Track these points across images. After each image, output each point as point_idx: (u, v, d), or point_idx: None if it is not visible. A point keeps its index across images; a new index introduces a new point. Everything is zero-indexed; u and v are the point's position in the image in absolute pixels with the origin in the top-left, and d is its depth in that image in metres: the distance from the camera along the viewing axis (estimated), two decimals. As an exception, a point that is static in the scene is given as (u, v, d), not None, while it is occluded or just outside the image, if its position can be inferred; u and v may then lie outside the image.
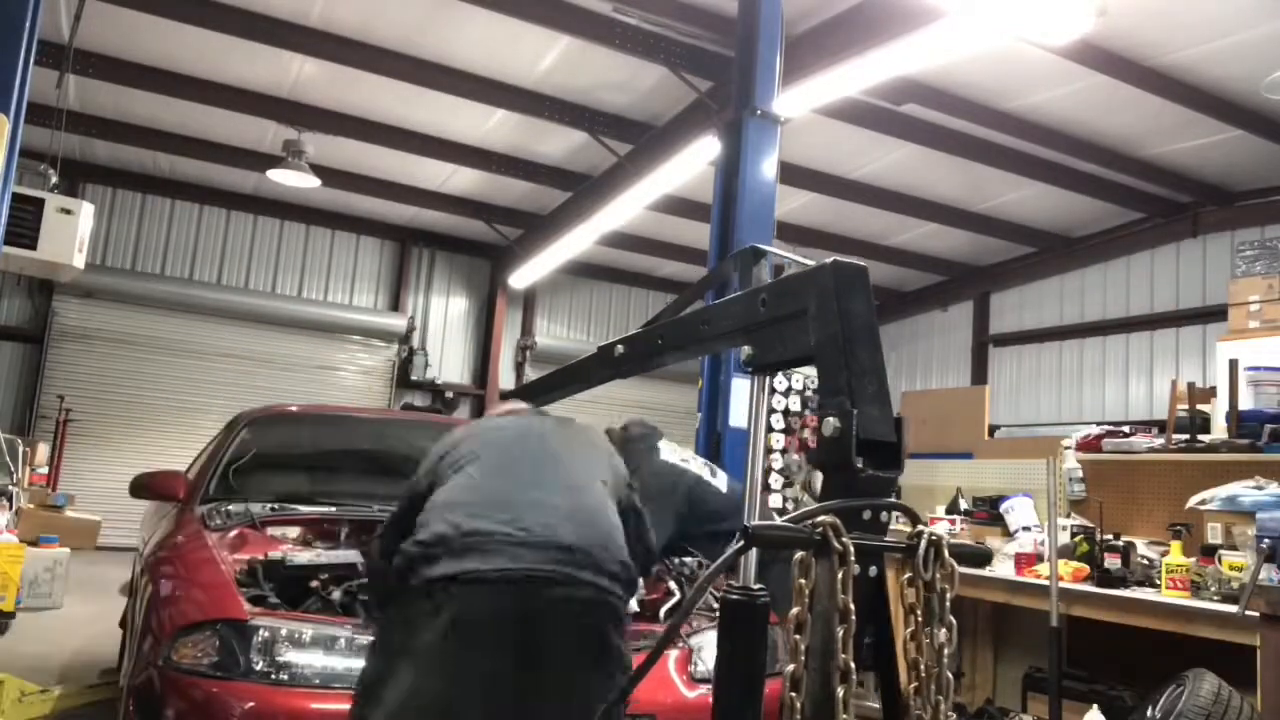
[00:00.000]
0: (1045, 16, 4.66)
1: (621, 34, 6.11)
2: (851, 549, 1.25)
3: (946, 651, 1.29)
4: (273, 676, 2.20)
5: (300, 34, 6.49)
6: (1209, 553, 3.89)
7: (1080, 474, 5.14)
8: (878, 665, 1.38)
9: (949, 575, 1.32)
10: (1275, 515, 3.49)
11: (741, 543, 1.33)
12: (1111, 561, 4.12)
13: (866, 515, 1.34)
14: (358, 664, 2.24)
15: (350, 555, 2.94)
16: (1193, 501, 4.13)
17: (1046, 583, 4.02)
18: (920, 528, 1.35)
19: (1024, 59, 5.91)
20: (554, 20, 6.05)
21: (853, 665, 1.22)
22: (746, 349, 1.68)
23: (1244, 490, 3.92)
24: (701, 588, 1.44)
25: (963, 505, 6.15)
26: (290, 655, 2.23)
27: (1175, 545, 3.95)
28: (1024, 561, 4.56)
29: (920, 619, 1.30)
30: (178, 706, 2.20)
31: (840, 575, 1.24)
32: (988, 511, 5.86)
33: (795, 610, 1.25)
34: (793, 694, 1.23)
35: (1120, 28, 5.55)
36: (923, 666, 1.28)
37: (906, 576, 1.32)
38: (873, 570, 1.34)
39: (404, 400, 10.93)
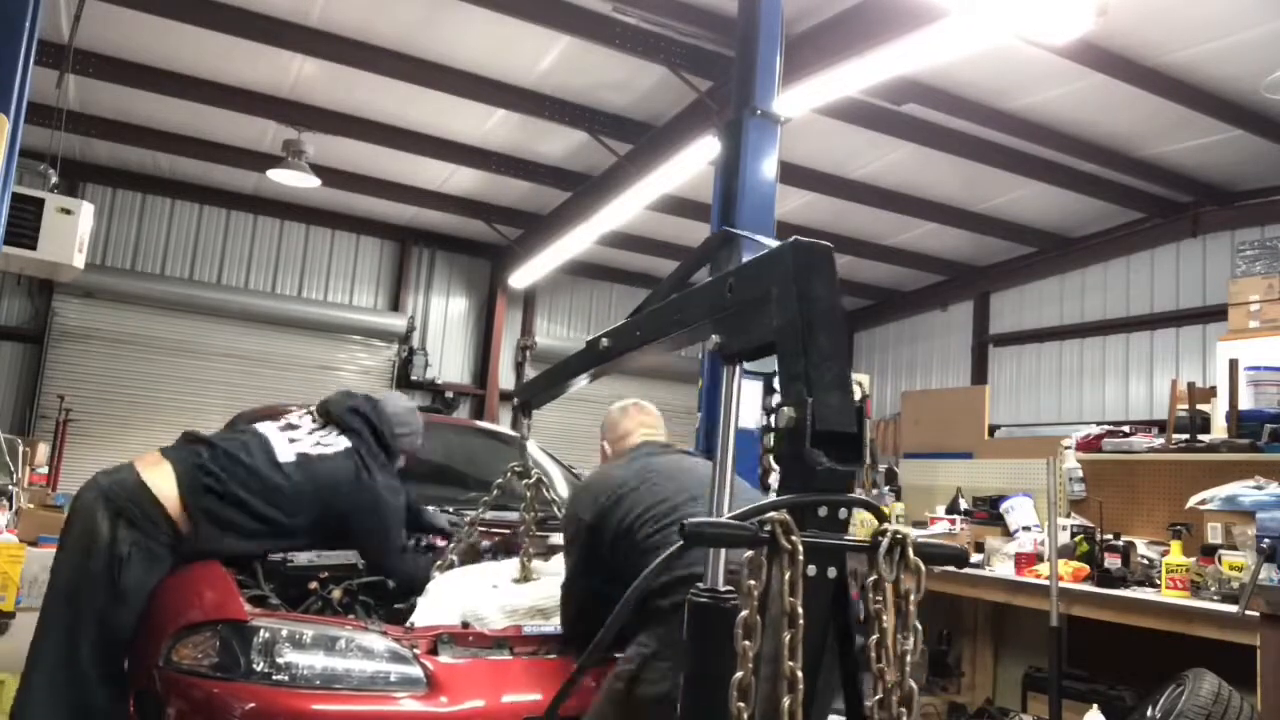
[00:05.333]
0: (1045, 16, 4.66)
1: (621, 34, 6.10)
2: (800, 548, 1.17)
3: (910, 660, 1.19)
4: (273, 677, 2.20)
5: (300, 34, 6.48)
6: (1209, 553, 3.89)
7: (1080, 474, 5.14)
8: (842, 675, 1.30)
9: (915, 577, 1.22)
10: (1275, 515, 3.49)
11: (680, 541, 1.26)
12: (1111, 561, 4.13)
13: (823, 512, 1.25)
14: (358, 664, 2.24)
15: (350, 555, 2.95)
16: (1193, 501, 4.14)
17: (1046, 582, 4.03)
18: (885, 525, 1.26)
19: (1024, 59, 5.90)
20: (554, 20, 6.04)
21: (799, 674, 1.13)
22: (715, 337, 1.60)
23: (1244, 490, 3.93)
24: (635, 592, 1.41)
25: (963, 505, 6.16)
26: (291, 656, 2.23)
27: (1175, 545, 3.96)
28: (1024, 561, 4.56)
29: (884, 625, 1.20)
30: (178, 707, 2.20)
31: (789, 576, 1.16)
32: (988, 511, 5.87)
33: (744, 614, 1.17)
34: (740, 703, 1.15)
35: (1120, 28, 5.55)
36: (887, 677, 1.19)
37: (871, 579, 1.23)
38: (831, 571, 1.24)
39: (404, 400, 10.91)
